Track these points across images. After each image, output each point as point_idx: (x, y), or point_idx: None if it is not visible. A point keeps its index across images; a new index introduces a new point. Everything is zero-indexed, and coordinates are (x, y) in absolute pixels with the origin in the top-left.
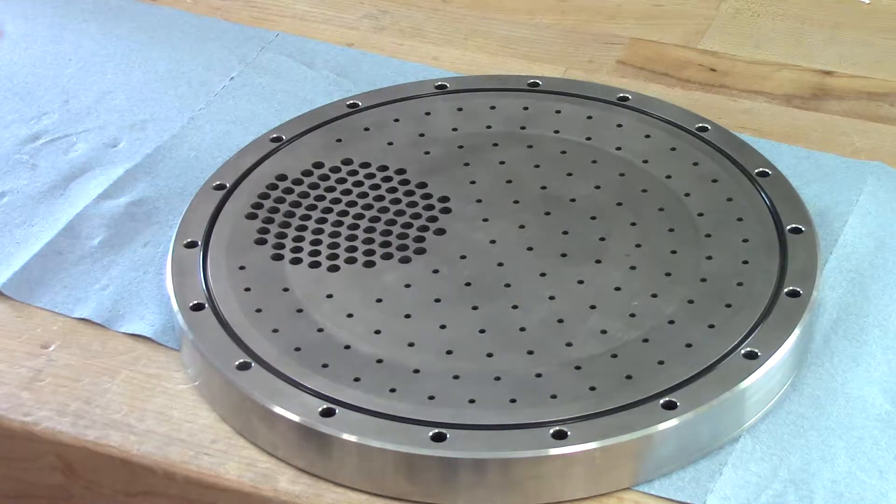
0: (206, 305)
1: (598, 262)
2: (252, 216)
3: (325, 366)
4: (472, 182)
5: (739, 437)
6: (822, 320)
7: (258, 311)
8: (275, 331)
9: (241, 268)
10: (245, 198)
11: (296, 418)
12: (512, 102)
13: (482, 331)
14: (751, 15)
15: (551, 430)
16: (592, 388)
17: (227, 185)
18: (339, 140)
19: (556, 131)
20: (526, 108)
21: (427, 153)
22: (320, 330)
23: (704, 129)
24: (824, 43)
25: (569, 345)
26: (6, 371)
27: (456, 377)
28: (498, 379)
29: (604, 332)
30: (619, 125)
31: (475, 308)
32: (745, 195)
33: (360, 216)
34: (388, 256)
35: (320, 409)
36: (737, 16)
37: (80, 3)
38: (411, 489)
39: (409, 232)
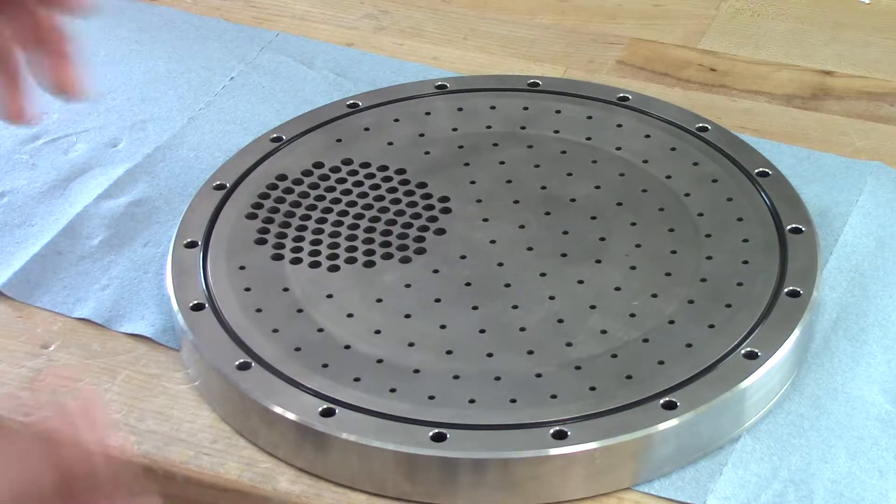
0: (206, 305)
1: (598, 262)
2: (252, 216)
3: (325, 366)
4: (472, 182)
5: (739, 437)
6: (822, 320)
7: (258, 311)
8: (275, 331)
9: (241, 268)
10: (245, 198)
11: (296, 418)
12: (512, 102)
13: (482, 331)
14: (751, 15)
15: (551, 430)
16: (592, 388)
17: (227, 185)
18: (339, 140)
19: (556, 131)
20: (526, 108)
21: (427, 153)
22: (320, 330)
23: (704, 129)
24: (824, 43)
25: (569, 345)
26: (6, 371)
27: (456, 377)
28: (498, 379)
29: (604, 332)
30: (619, 125)
31: (475, 308)
32: (745, 195)
33: (360, 216)
34: (388, 256)
35: (320, 408)
36: (737, 16)
37: None
38: (411, 489)
39: (409, 232)
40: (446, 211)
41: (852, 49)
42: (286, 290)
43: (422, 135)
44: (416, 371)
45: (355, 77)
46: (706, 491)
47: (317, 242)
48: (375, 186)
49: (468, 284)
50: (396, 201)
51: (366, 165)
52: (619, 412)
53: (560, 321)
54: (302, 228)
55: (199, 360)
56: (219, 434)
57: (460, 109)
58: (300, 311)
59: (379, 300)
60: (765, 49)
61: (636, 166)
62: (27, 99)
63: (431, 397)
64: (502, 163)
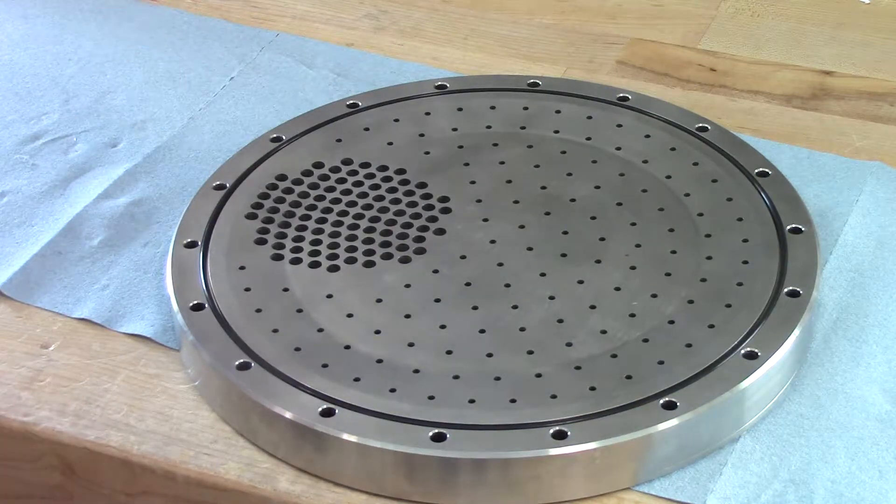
0: (206, 305)
1: (598, 262)
2: (252, 216)
3: (324, 366)
4: (472, 182)
5: (739, 437)
6: (822, 320)
7: (258, 311)
8: (275, 331)
9: (241, 268)
10: (245, 198)
11: (295, 418)
12: (512, 102)
13: (482, 331)
14: (751, 15)
15: (551, 430)
16: (592, 388)
17: (227, 185)
18: (339, 140)
19: (556, 131)
20: (526, 108)
21: (427, 153)
22: (320, 330)
23: (704, 129)
24: (824, 43)
25: (569, 345)
26: (6, 371)
27: (456, 377)
28: (498, 379)
29: (604, 332)
30: (619, 125)
31: (475, 308)
32: (745, 195)
33: (360, 216)
34: (388, 256)
35: (320, 409)
36: (737, 16)
37: (80, 3)
38: (411, 489)
39: (409, 232)
40: (446, 211)
41: (852, 49)
42: (286, 290)
43: (422, 135)
44: (416, 371)
45: (355, 77)
46: (706, 491)
47: (317, 242)
48: (375, 186)
49: (468, 284)
50: (396, 201)
51: (366, 165)
52: (619, 412)
53: (560, 321)
54: (302, 228)
55: (198, 360)
56: (219, 434)
57: (460, 109)
58: (300, 311)
59: (379, 300)
60: (765, 49)
61: (636, 166)
62: None
63: (431, 397)
64: (502, 163)
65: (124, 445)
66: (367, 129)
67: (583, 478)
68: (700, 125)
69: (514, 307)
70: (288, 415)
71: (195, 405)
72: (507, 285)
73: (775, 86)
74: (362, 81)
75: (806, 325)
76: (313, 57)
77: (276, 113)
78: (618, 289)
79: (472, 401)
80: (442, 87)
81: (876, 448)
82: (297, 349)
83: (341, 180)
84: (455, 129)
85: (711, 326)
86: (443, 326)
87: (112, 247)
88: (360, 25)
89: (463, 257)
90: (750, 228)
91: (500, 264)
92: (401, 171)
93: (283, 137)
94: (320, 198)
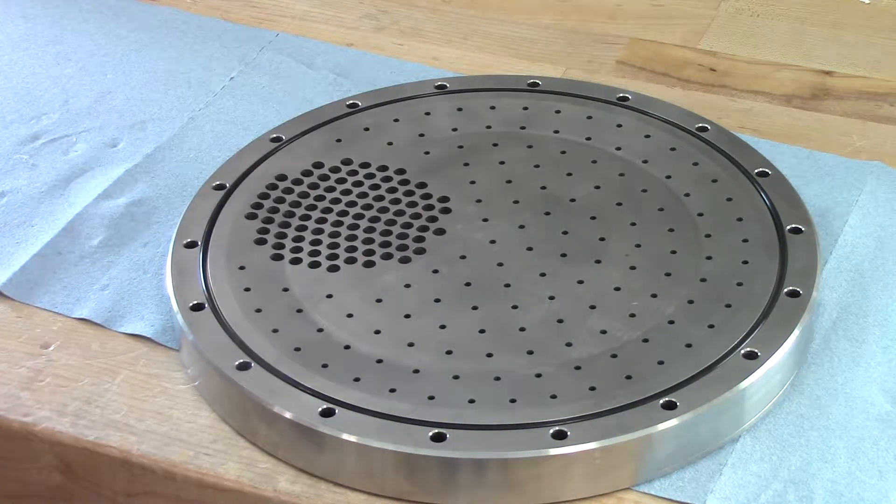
0: (206, 305)
1: (598, 262)
2: (252, 216)
3: (324, 366)
4: (472, 182)
5: (739, 437)
6: (822, 320)
7: (258, 311)
8: (275, 331)
9: (241, 268)
10: (245, 198)
11: (295, 418)
12: (512, 102)
13: (482, 331)
14: (751, 15)
15: (551, 430)
16: (592, 388)
17: (227, 185)
18: (338, 140)
19: (556, 131)
20: (526, 108)
21: (427, 153)
22: (320, 330)
23: (704, 129)
24: (824, 43)
25: (569, 345)
26: (6, 371)
27: (456, 377)
28: (498, 379)
29: (604, 332)
30: (619, 125)
31: (475, 308)
32: (745, 195)
33: (359, 216)
34: (387, 256)
35: (320, 409)
36: (737, 16)
37: (80, 3)
38: (411, 489)
39: (408, 232)
40: (446, 211)
41: (852, 49)
42: (286, 290)
43: (422, 135)
44: (416, 371)
45: (355, 77)
46: (706, 491)
47: (316, 242)
48: (375, 186)
49: (468, 284)
50: (396, 201)
51: (366, 165)
52: (619, 412)
53: (560, 321)
54: (302, 228)
55: (198, 360)
56: (219, 434)
57: (460, 109)
58: (300, 311)
59: (379, 300)
60: (765, 49)
61: (636, 166)
62: None
63: (431, 397)
64: (502, 163)
65: (124, 445)
66: (367, 129)
67: (583, 478)
68: (700, 125)
69: (514, 307)
70: (288, 415)
71: (195, 405)
72: (507, 285)
73: (775, 86)
74: (362, 81)
75: (806, 325)
76: (313, 57)
77: (276, 113)
78: (618, 289)
79: (471, 401)
80: (442, 87)
81: (876, 448)
82: (297, 349)
83: (341, 180)
84: (455, 130)
85: (711, 326)
86: (443, 326)
87: (112, 247)
88: (360, 25)
89: (463, 257)
90: (750, 228)
91: (500, 264)
92: (401, 171)
93: (283, 137)
94: (320, 198)
